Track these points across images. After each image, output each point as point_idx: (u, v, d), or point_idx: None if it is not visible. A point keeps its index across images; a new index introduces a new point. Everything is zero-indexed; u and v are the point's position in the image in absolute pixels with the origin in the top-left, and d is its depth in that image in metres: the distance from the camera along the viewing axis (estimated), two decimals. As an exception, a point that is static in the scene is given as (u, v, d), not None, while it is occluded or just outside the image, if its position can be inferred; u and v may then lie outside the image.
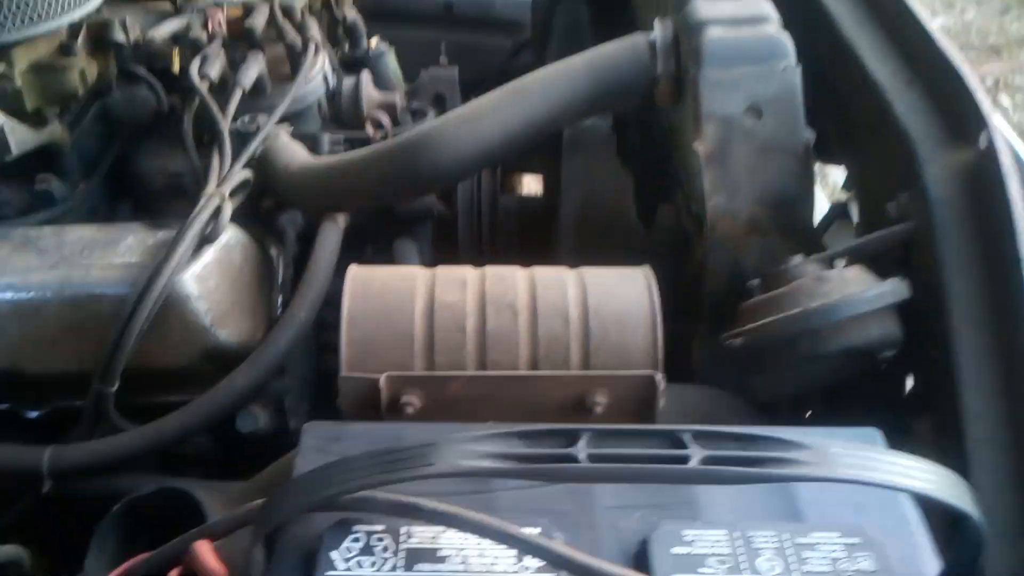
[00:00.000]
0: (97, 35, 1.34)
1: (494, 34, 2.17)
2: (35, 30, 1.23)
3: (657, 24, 1.11)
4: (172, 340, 1.11)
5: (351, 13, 1.69)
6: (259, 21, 1.36)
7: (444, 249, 1.45)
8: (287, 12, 1.41)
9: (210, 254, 1.13)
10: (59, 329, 1.10)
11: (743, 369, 0.88)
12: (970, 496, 0.54)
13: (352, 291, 0.84)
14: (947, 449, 0.74)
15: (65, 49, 1.30)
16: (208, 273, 1.12)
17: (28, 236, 1.17)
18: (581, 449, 0.53)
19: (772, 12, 1.05)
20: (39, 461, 1.07)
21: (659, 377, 0.78)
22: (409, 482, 0.53)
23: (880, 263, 0.87)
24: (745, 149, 0.98)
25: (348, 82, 1.46)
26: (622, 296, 0.85)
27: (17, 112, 1.27)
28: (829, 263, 0.90)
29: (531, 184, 2.16)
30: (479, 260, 1.42)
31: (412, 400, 0.77)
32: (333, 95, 1.45)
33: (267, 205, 1.30)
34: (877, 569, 0.61)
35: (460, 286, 0.85)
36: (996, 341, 0.75)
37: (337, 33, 1.70)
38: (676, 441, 0.53)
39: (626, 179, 1.25)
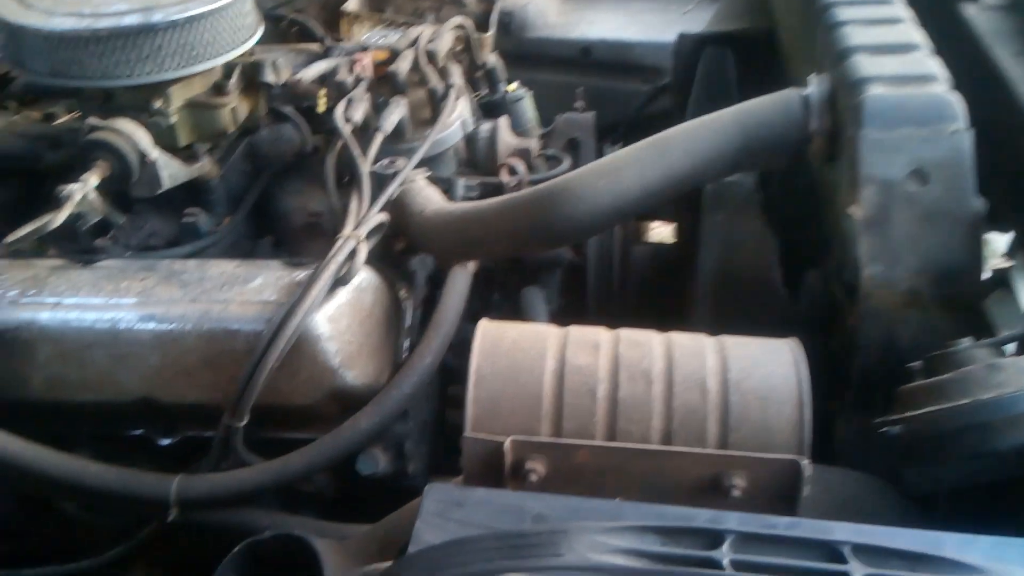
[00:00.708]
0: (249, 75, 1.38)
1: (631, 79, 2.14)
2: (192, 69, 1.29)
3: (813, 79, 1.05)
4: (301, 378, 1.12)
5: (491, 58, 1.69)
6: (403, 66, 1.38)
7: (573, 297, 1.42)
8: (431, 57, 1.42)
9: (343, 296, 1.14)
10: (195, 361, 1.13)
11: (898, 458, 0.80)
12: None
13: (481, 348, 0.81)
14: None
15: (218, 88, 1.36)
16: (340, 314, 1.13)
17: (173, 269, 1.21)
18: (725, 554, 0.48)
19: (941, 71, 0.98)
20: (167, 490, 1.09)
21: (805, 463, 0.72)
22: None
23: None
24: (907, 216, 0.91)
25: (485, 127, 1.46)
26: (767, 370, 0.80)
27: (170, 147, 1.32)
28: (1000, 348, 0.82)
29: (661, 231, 2.11)
30: (609, 310, 1.40)
31: (536, 467, 0.74)
32: (470, 140, 1.45)
33: (400, 247, 1.30)
34: None
35: (593, 349, 0.81)
36: None
37: (476, 77, 1.72)
38: (834, 554, 0.48)
39: (771, 240, 1.19)
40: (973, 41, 1.08)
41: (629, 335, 0.84)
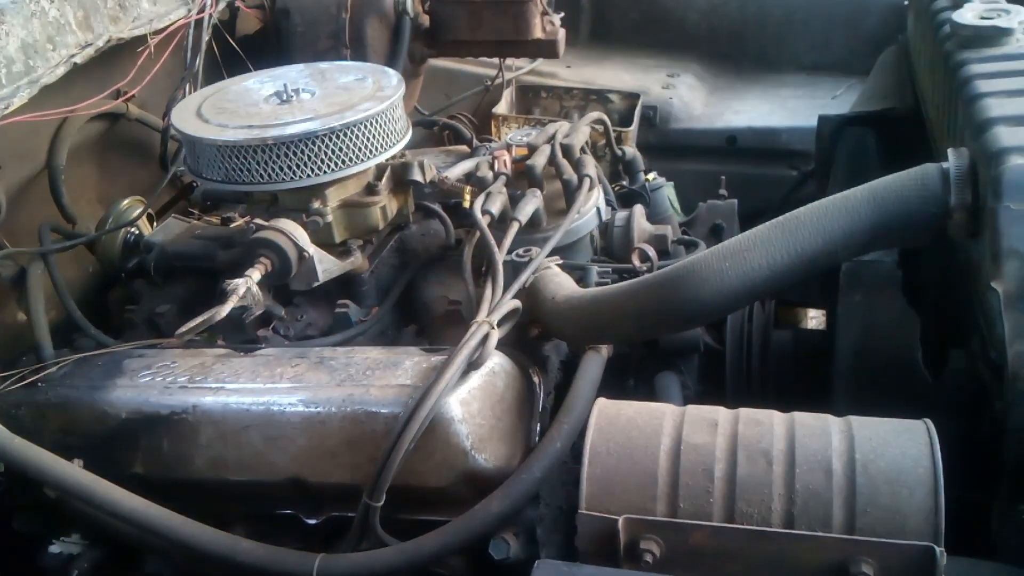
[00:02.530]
0: (398, 175, 1.48)
1: (776, 164, 2.14)
2: (346, 172, 1.40)
3: (951, 153, 1.02)
4: (435, 460, 1.15)
5: (630, 150, 1.74)
6: (540, 161, 1.44)
7: (711, 384, 1.39)
8: (566, 152, 1.48)
9: (475, 380, 1.17)
10: (339, 443, 1.19)
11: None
12: None
13: (597, 425, 0.82)
14: None
15: (370, 188, 1.46)
16: (472, 398, 1.16)
17: (323, 356, 1.29)
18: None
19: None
20: (311, 567, 1.14)
21: (940, 551, 0.67)
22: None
23: None
24: (1056, 290, 0.85)
25: (621, 216, 1.49)
26: (897, 451, 0.75)
27: (326, 243, 1.43)
28: None
29: (815, 318, 2.04)
30: (748, 397, 1.36)
31: (651, 548, 0.72)
32: (606, 228, 1.48)
33: (534, 333, 1.33)
34: None
35: (711, 427, 0.80)
36: None
37: (618, 168, 1.76)
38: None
39: (913, 320, 1.13)
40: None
41: (748, 414, 0.82)
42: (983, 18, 1.21)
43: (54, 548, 1.37)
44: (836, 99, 2.21)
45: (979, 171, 0.97)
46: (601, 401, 0.86)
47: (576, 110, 2.29)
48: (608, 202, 1.59)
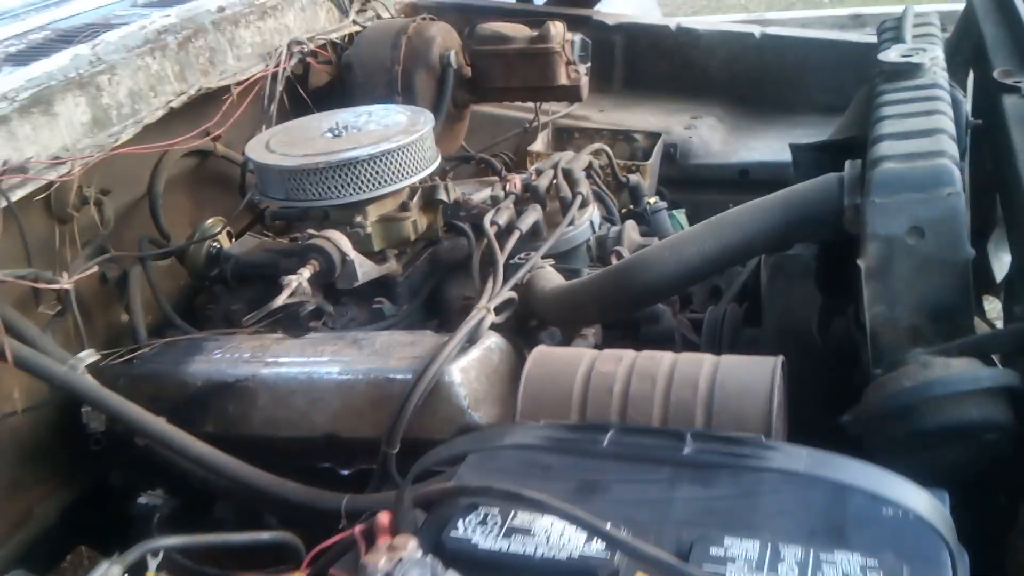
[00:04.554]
0: (428, 195, 1.78)
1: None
2: (383, 191, 1.70)
3: (848, 164, 1.25)
4: (438, 416, 1.41)
5: (635, 178, 2.01)
6: (542, 182, 1.72)
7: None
8: (567, 175, 1.75)
9: (474, 352, 1.44)
10: (365, 403, 1.47)
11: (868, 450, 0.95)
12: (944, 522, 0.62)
13: (533, 359, 1.08)
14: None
15: (403, 206, 1.76)
16: (470, 366, 1.43)
17: (356, 337, 1.58)
18: (609, 440, 0.71)
19: (949, 147, 1.15)
20: (340, 503, 1.41)
21: (767, 440, 0.90)
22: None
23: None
24: (906, 265, 1.08)
25: (615, 229, 1.75)
26: (747, 375, 0.99)
27: (366, 251, 1.73)
28: (947, 356, 0.95)
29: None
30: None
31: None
32: (600, 240, 1.74)
33: (532, 324, 1.60)
34: (882, 589, 0.69)
35: (616, 360, 1.05)
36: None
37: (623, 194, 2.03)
38: (680, 436, 0.69)
39: (817, 300, 1.35)
40: (1004, 123, 1.23)
41: (648, 352, 1.07)
42: (903, 56, 1.44)
43: (142, 500, 1.68)
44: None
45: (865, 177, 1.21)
46: (539, 347, 1.12)
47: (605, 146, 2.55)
48: (611, 220, 1.86)
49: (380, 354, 1.50)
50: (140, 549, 1.00)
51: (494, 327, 1.49)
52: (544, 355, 1.10)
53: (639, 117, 2.69)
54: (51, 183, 1.58)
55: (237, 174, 2.18)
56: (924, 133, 1.20)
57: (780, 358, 1.03)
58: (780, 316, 1.37)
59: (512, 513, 0.83)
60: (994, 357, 0.98)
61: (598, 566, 0.76)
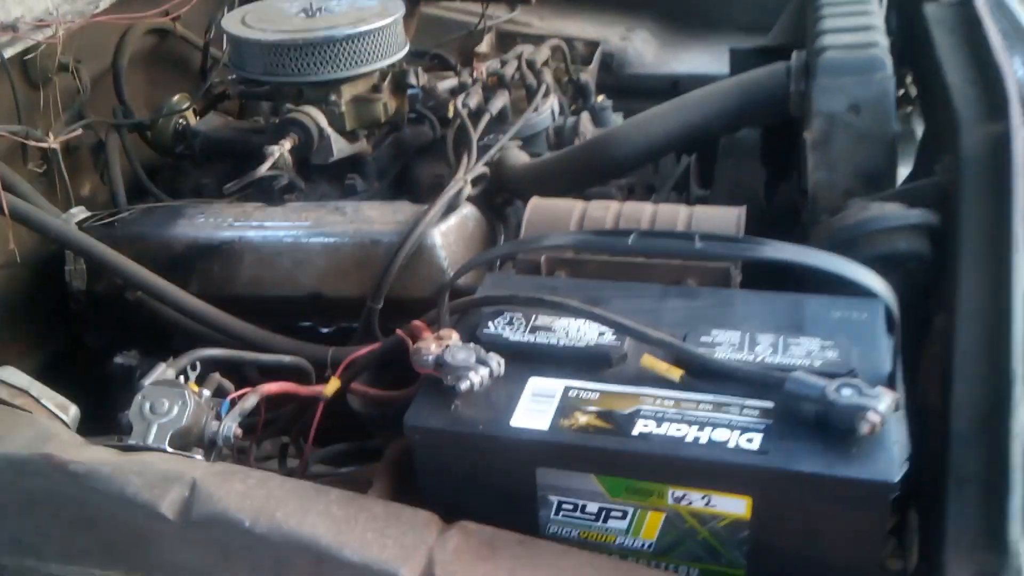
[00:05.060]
0: (398, 80, 1.88)
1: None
2: (356, 71, 1.80)
3: (794, 54, 1.44)
4: (420, 276, 1.55)
5: (584, 77, 2.15)
6: (508, 70, 1.85)
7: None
8: (530, 65, 1.89)
9: (452, 219, 1.58)
10: (351, 264, 1.59)
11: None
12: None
13: (531, 208, 1.24)
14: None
15: (375, 88, 1.86)
16: (449, 231, 1.57)
17: (338, 206, 1.69)
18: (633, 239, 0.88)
19: (881, 39, 1.34)
20: (326, 354, 1.54)
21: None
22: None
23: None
24: (844, 137, 1.27)
25: (571, 119, 1.90)
26: (719, 218, 1.18)
27: (339, 130, 1.83)
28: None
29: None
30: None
31: (561, 274, 1.14)
32: (558, 129, 1.89)
33: (499, 200, 1.74)
34: (837, 359, 0.88)
35: (605, 208, 1.22)
36: (989, 271, 0.97)
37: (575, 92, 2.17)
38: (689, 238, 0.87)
39: (762, 174, 1.55)
40: (926, 28, 1.44)
41: (634, 202, 1.24)
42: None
43: (118, 359, 1.76)
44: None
45: (809, 65, 1.40)
46: (535, 198, 1.28)
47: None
48: (563, 114, 2.01)
49: (363, 219, 1.62)
50: (190, 356, 1.11)
51: (469, 199, 1.63)
52: (541, 203, 1.26)
53: (577, 26, 2.82)
54: (37, 44, 1.61)
55: (192, 56, 2.22)
56: (860, 29, 1.39)
57: (743, 207, 1.22)
58: (731, 187, 1.56)
59: (534, 316, 0.99)
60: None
61: (611, 350, 0.94)
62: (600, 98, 2.15)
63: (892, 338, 0.92)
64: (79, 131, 1.67)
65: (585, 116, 1.90)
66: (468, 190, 1.61)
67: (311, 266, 1.61)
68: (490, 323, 0.99)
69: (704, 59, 2.74)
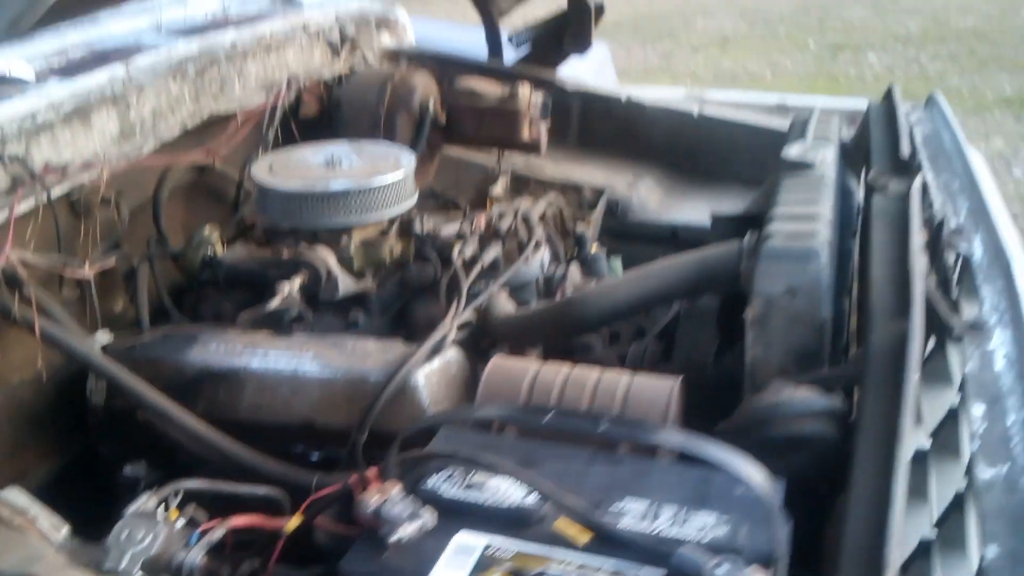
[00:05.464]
0: (404, 226, 2.07)
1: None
2: (367, 219, 1.99)
3: (748, 235, 1.60)
4: (403, 414, 1.69)
5: (581, 228, 2.33)
6: (504, 223, 2.03)
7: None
8: (525, 218, 2.07)
9: (436, 362, 1.73)
10: (342, 398, 1.74)
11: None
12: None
13: (491, 366, 1.39)
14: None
15: (383, 232, 2.05)
16: (432, 373, 1.72)
17: (337, 341, 1.86)
18: (549, 417, 1.02)
19: (823, 229, 1.49)
20: (311, 482, 1.68)
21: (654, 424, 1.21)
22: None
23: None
24: (780, 318, 1.41)
25: (560, 269, 2.07)
26: (653, 390, 1.32)
27: (348, 269, 2.01)
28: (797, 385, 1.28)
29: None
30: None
31: (512, 432, 1.28)
32: (548, 279, 2.05)
33: (484, 344, 1.90)
34: (724, 536, 1.00)
35: (556, 372, 1.36)
36: (877, 459, 1.08)
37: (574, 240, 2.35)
38: (596, 420, 1.00)
39: (717, 340, 1.69)
40: (869, 219, 1.59)
41: (580, 367, 1.38)
42: (799, 156, 1.80)
43: (127, 470, 1.91)
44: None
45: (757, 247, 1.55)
46: (496, 356, 1.43)
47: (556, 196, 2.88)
48: (558, 260, 2.18)
49: (357, 356, 1.78)
50: (171, 487, 1.26)
51: (455, 342, 1.79)
52: (500, 363, 1.41)
53: (587, 172, 3.03)
54: (82, 184, 1.83)
55: (228, 189, 2.45)
56: (804, 218, 1.55)
57: (680, 378, 1.35)
58: (688, 350, 1.70)
59: (472, 473, 1.13)
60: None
61: (531, 512, 1.06)
62: (595, 247, 2.32)
63: (788, 517, 1.04)
64: (113, 261, 1.87)
65: (574, 267, 2.07)
66: (454, 335, 1.76)
67: (307, 396, 1.76)
68: (432, 477, 1.13)
69: (704, 210, 2.90)
